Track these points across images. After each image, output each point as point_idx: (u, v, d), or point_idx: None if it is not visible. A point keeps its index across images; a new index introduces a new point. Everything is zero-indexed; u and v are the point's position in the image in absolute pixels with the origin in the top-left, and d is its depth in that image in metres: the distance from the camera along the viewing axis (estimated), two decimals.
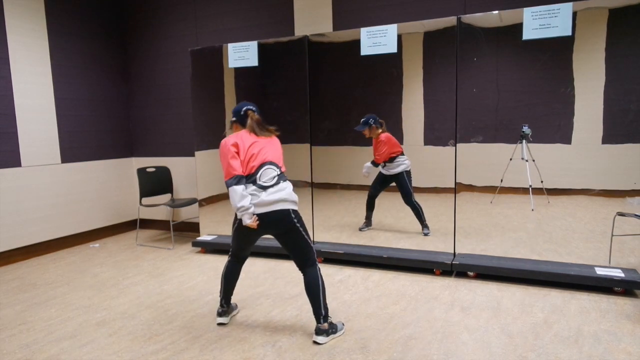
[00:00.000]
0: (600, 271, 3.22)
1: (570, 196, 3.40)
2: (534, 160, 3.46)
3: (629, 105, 3.18)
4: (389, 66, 3.82)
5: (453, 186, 3.72)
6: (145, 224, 5.75)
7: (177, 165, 5.40)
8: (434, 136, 3.74)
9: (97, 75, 5.22)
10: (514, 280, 3.47)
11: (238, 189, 2.50)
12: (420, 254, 3.77)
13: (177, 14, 5.23)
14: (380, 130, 3.89)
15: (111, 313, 3.11)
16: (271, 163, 2.62)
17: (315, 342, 2.59)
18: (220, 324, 2.88)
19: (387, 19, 4.23)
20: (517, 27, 3.37)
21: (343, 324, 2.76)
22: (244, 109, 2.71)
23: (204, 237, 4.67)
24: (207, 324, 2.89)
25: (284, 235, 2.64)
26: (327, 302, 3.10)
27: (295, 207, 2.64)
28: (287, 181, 2.67)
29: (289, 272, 3.85)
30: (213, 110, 4.57)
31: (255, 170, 2.57)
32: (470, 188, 3.67)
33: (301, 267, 2.67)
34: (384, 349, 2.51)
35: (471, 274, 3.58)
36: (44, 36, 4.62)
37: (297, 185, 4.28)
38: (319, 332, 2.60)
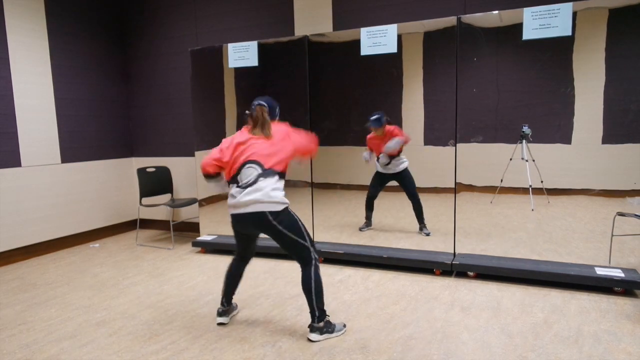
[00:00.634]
0: (600, 271, 3.22)
1: (570, 196, 3.40)
2: (534, 160, 3.46)
3: (629, 105, 3.18)
4: (389, 66, 3.82)
5: (453, 186, 3.72)
6: (145, 224, 5.75)
7: (177, 165, 5.40)
8: (434, 136, 3.74)
9: (97, 75, 5.22)
10: (514, 280, 3.47)
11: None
12: (420, 254, 3.77)
13: (177, 14, 5.23)
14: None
15: (111, 313, 3.11)
16: (253, 162, 2.54)
17: (308, 339, 2.61)
18: (220, 324, 2.88)
19: (387, 19, 4.23)
20: (517, 27, 3.37)
21: (344, 325, 2.74)
22: (258, 104, 2.68)
23: (204, 237, 4.67)
24: (207, 324, 2.89)
25: (271, 236, 2.60)
26: (326, 302, 3.08)
27: (274, 208, 2.51)
28: (271, 178, 2.53)
29: (289, 272, 3.85)
30: (213, 110, 4.57)
31: (237, 171, 2.58)
32: (470, 188, 3.67)
33: (300, 265, 2.67)
34: (384, 349, 2.51)
35: (471, 274, 3.58)
36: (44, 36, 4.62)
37: (297, 185, 4.28)
38: (312, 329, 2.62)
